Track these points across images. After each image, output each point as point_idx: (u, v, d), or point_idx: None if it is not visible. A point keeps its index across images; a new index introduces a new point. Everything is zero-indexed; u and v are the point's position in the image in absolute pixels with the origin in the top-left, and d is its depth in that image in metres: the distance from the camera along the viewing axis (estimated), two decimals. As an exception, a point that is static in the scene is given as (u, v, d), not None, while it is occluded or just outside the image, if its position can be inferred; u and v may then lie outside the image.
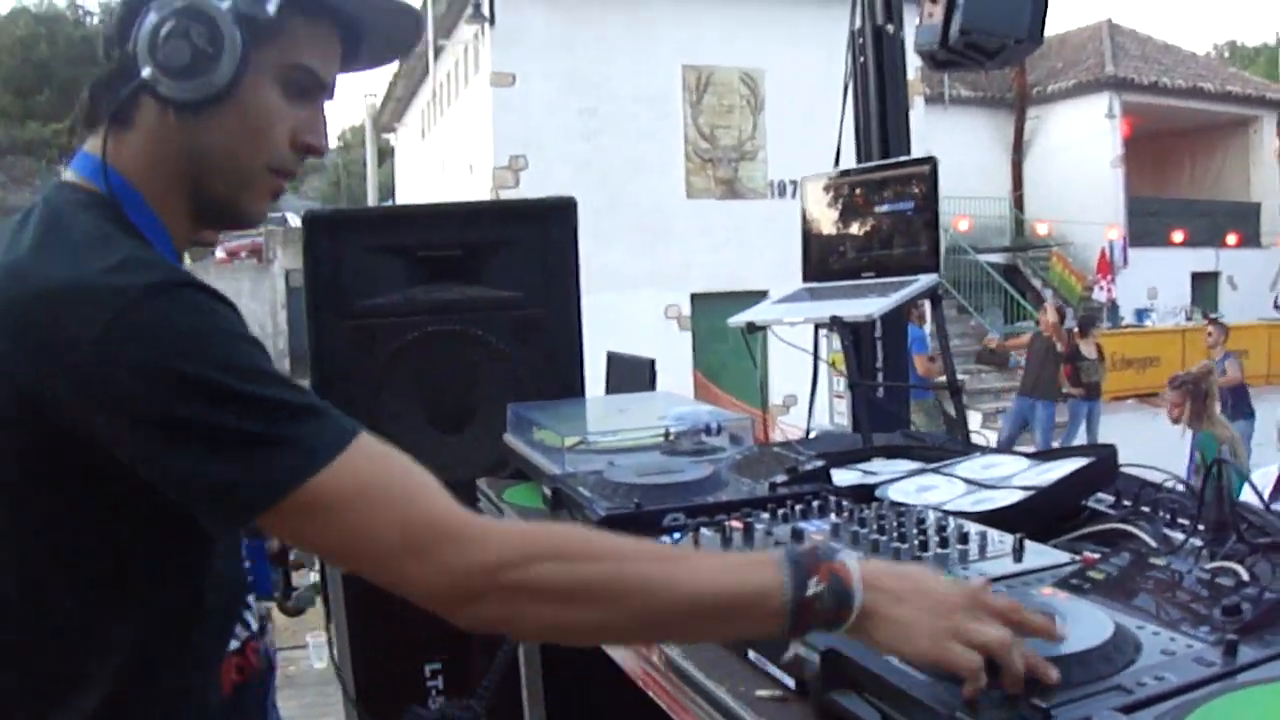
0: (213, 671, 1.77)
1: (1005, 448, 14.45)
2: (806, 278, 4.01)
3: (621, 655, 2.22)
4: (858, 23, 5.47)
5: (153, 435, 1.42)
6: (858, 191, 3.85)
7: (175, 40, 1.55)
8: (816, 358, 4.09)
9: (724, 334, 3.63)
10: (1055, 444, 13.57)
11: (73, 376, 1.42)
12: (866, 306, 3.48)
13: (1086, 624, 1.52)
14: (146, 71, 1.57)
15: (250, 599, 2.06)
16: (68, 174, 1.68)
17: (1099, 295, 28.50)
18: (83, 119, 1.68)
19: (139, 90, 1.59)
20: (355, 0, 1.72)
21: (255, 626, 2.07)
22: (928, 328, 15.43)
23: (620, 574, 1.47)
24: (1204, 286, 31.63)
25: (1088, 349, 16.46)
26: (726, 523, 2.19)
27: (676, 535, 2.19)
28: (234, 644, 1.93)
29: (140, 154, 1.64)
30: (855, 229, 3.85)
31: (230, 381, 1.42)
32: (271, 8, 1.59)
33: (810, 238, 4.04)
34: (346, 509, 1.43)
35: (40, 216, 1.58)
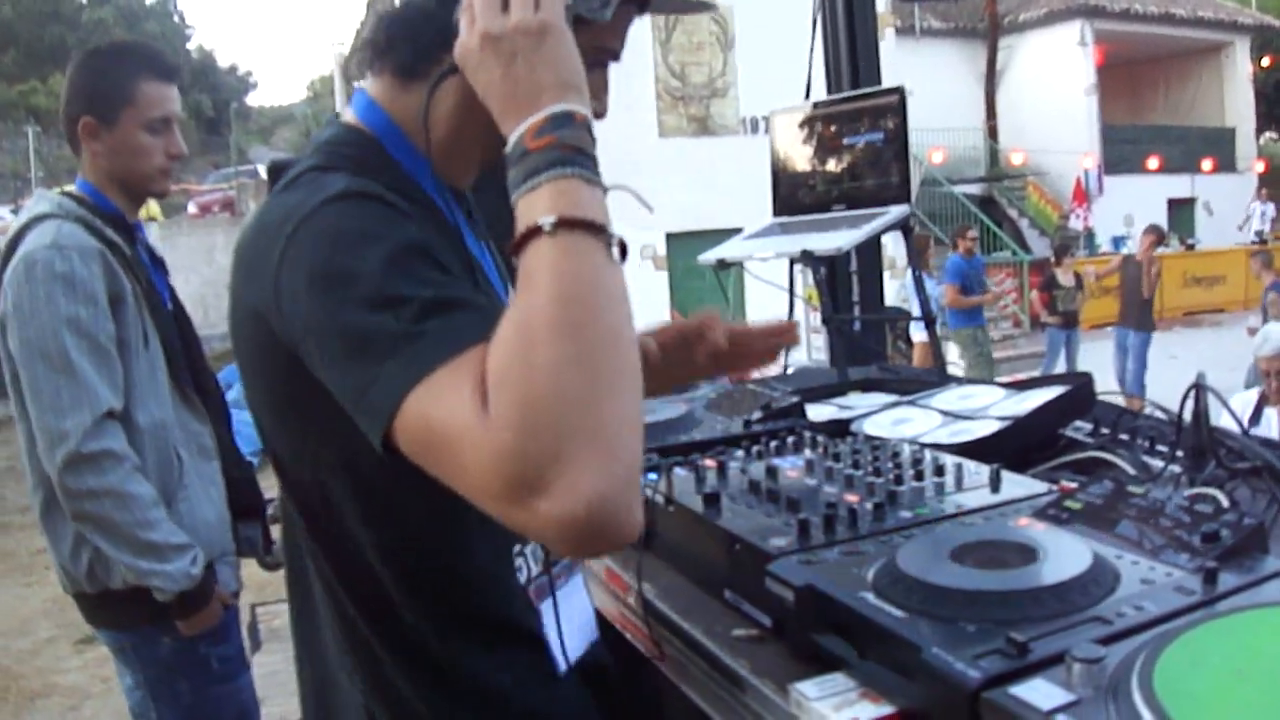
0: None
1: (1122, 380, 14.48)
2: (777, 212, 3.99)
3: (599, 599, 2.21)
4: (826, -46, 5.43)
5: (312, 336, 1.41)
6: (827, 125, 3.83)
7: None
8: (792, 293, 4.06)
9: (700, 272, 3.61)
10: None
11: (270, 291, 1.45)
12: (837, 239, 3.46)
13: (1064, 555, 1.51)
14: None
15: None
16: (345, 113, 1.73)
17: (1075, 224, 28.60)
18: (369, 52, 1.70)
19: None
20: None
21: None
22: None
23: (537, 332, 1.28)
24: (1180, 212, 31.74)
25: (1064, 277, 16.43)
26: (700, 462, 2.17)
27: (652, 475, 2.17)
28: None
29: (443, 103, 1.63)
30: (825, 162, 3.82)
31: (373, 281, 1.37)
32: (608, 13, 1.61)
33: (780, 172, 4.01)
34: (441, 432, 1.29)
35: (299, 178, 1.59)
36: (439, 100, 1.61)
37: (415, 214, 1.52)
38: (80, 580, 3.23)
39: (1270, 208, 30.18)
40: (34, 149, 43.56)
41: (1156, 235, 16.46)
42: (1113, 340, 15.94)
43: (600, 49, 1.71)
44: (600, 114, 1.72)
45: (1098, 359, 14.75)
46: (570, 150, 1.42)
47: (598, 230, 1.41)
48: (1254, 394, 6.73)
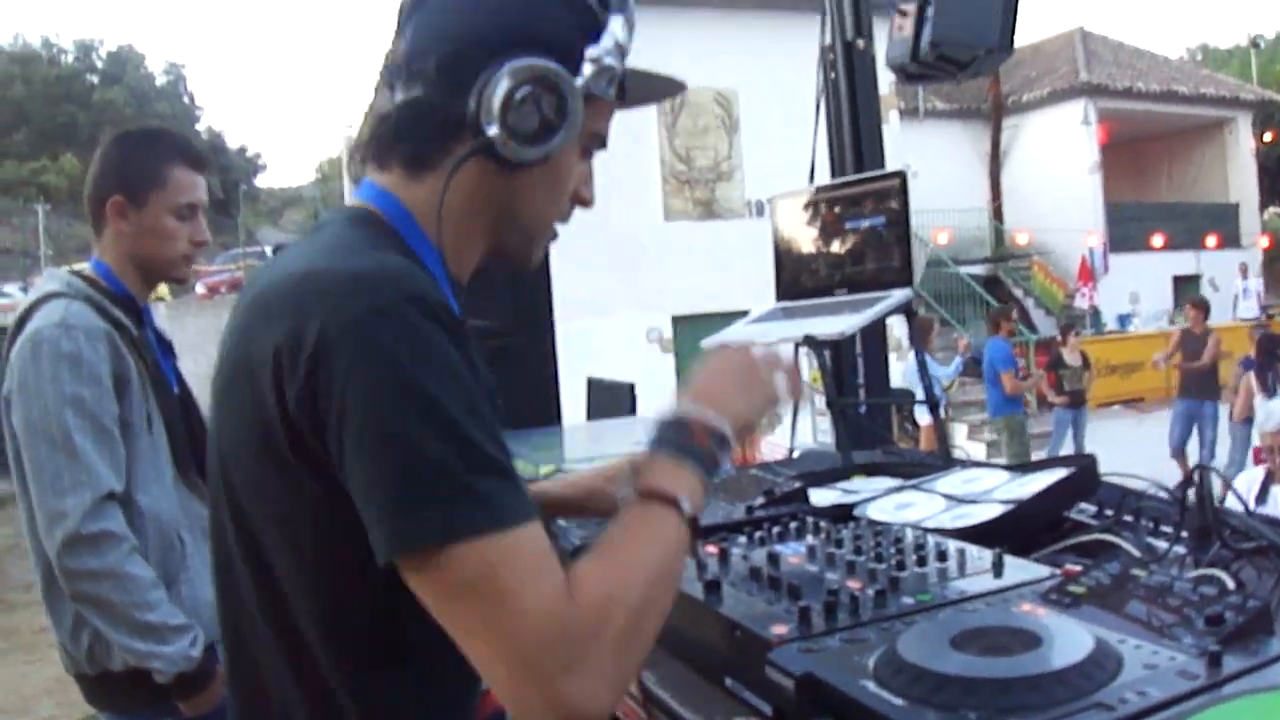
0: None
1: (1178, 454, 14.44)
2: (780, 296, 3.99)
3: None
4: (828, 39, 5.46)
5: (352, 436, 1.40)
6: (829, 208, 3.84)
7: (528, 109, 1.61)
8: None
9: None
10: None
11: (311, 358, 1.42)
12: (839, 324, 3.46)
13: (1066, 640, 1.50)
14: (493, 131, 1.60)
15: None
16: (354, 200, 1.74)
17: (1081, 302, 28.65)
18: (375, 148, 1.72)
19: (480, 146, 1.62)
20: (662, 79, 1.92)
21: None
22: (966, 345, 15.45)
23: (642, 598, 1.47)
24: (1186, 289, 31.74)
25: (1071, 356, 16.45)
26: (702, 548, 2.17)
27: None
28: None
29: (436, 196, 1.65)
30: (827, 246, 3.83)
31: (450, 410, 1.40)
32: (613, 91, 1.70)
33: (782, 256, 4.02)
34: (502, 588, 1.37)
35: (322, 229, 1.68)
36: (452, 191, 1.64)
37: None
38: (81, 661, 3.23)
39: (1255, 282, 30.22)
40: (43, 226, 43.83)
41: (1203, 308, 16.60)
42: (1171, 412, 16.06)
43: (593, 135, 1.77)
44: (588, 202, 1.82)
45: (1105, 437, 14.71)
46: (713, 462, 1.65)
47: (698, 532, 1.62)
48: (1260, 471, 6.71)
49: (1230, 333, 24.93)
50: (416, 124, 1.67)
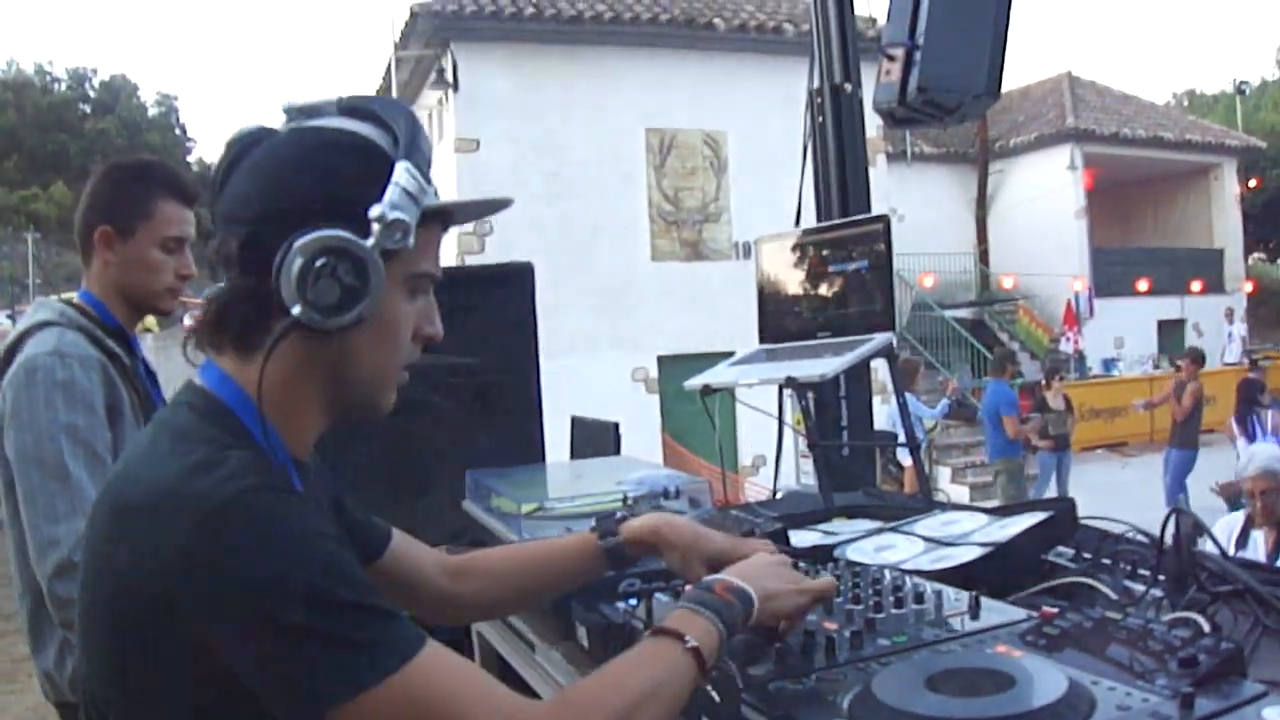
0: None
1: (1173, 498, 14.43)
2: (763, 339, 4.01)
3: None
4: (816, 82, 5.48)
5: (234, 633, 1.47)
6: (812, 251, 3.86)
7: (325, 281, 1.61)
8: (781, 419, 4.08)
9: (692, 396, 3.65)
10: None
11: (166, 577, 1.49)
12: (821, 366, 3.47)
13: (1040, 681, 1.52)
14: (296, 310, 1.61)
15: None
16: (197, 380, 1.76)
17: (1066, 346, 28.69)
18: (205, 332, 1.76)
19: (289, 326, 1.64)
20: (467, 205, 1.90)
21: None
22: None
23: (627, 705, 1.55)
24: (1170, 334, 31.89)
25: (1054, 400, 16.48)
26: (682, 589, 2.17)
27: (632, 601, 2.18)
28: None
29: (276, 373, 1.68)
30: (811, 289, 3.85)
31: (319, 585, 1.47)
32: (411, 240, 1.66)
33: (766, 298, 4.04)
34: (430, 706, 1.48)
35: (161, 421, 1.72)
36: (281, 367, 1.67)
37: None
38: (64, 689, 3.22)
39: (1239, 327, 30.33)
40: (33, 255, 43.71)
41: (1199, 360, 16.68)
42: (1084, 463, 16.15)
43: (417, 275, 1.77)
44: (435, 338, 1.85)
45: (1089, 481, 14.73)
46: (732, 617, 1.73)
47: (705, 673, 1.65)
48: (1240, 516, 6.72)
49: (1217, 377, 25.16)
50: (233, 307, 1.70)
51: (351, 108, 1.76)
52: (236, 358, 1.71)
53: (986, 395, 15.16)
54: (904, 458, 13.80)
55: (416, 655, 1.48)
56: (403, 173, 1.66)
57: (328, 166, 1.67)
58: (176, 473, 1.55)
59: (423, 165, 1.70)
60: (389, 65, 21.86)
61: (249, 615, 1.45)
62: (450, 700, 1.48)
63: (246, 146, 1.73)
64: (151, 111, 65.43)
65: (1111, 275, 31.26)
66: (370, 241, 1.62)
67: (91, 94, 63.99)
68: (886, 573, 2.22)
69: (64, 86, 63.93)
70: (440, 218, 1.80)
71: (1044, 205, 30.86)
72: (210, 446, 1.59)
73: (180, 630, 1.49)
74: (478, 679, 1.54)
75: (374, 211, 1.62)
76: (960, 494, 19.48)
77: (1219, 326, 30.84)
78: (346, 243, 1.61)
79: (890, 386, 3.77)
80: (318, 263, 1.60)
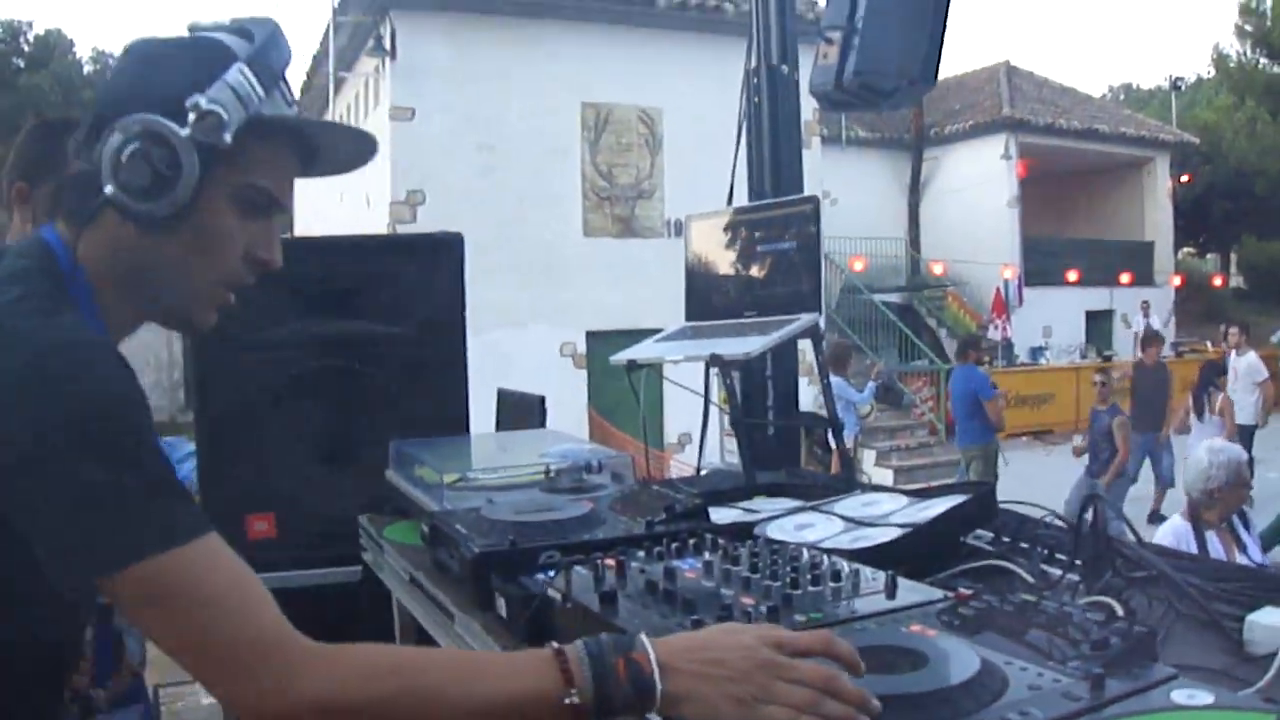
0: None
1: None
2: (690, 316, 4.02)
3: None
4: (753, 62, 5.48)
5: (26, 477, 1.46)
6: (743, 231, 3.87)
7: (136, 162, 1.62)
8: (707, 397, 4.09)
9: (620, 372, 3.65)
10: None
11: None
12: (745, 345, 3.48)
13: (952, 660, 1.52)
14: (108, 189, 1.64)
15: None
16: (39, 233, 1.76)
17: (994, 334, 28.86)
18: (49, 204, 1.81)
19: (101, 203, 1.65)
20: (311, 124, 1.86)
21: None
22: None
23: (419, 688, 1.51)
24: (1098, 324, 32.20)
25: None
26: (601, 561, 2.17)
27: (551, 574, 2.18)
28: None
29: (97, 252, 1.71)
30: (739, 268, 3.86)
31: (121, 444, 1.48)
32: (228, 136, 1.65)
33: (695, 276, 4.05)
34: (189, 601, 1.47)
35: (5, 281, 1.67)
36: (96, 250, 1.69)
37: None
38: None
39: (1155, 320, 30.63)
40: (-40, 208, 43.26)
41: (1159, 343, 16.83)
42: (1010, 449, 16.22)
43: (249, 187, 1.76)
44: (270, 265, 1.82)
45: (1014, 468, 14.78)
46: (609, 702, 1.48)
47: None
48: (1184, 526, 6.69)
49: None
50: (74, 184, 1.72)
51: (233, 25, 1.78)
52: (69, 229, 1.72)
53: (955, 381, 14.98)
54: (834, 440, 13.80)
55: (194, 540, 1.49)
56: (235, 72, 1.67)
57: (172, 61, 1.71)
58: (7, 309, 1.57)
59: (264, 73, 1.71)
60: (327, 30, 21.71)
61: (51, 461, 1.45)
62: (210, 601, 1.47)
63: (129, 48, 1.77)
64: (87, 69, 64.53)
65: (1042, 265, 31.47)
66: (185, 131, 1.63)
67: (26, 48, 63.10)
68: (805, 551, 2.23)
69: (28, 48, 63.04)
70: (288, 138, 1.80)
71: (977, 193, 31.01)
72: (45, 298, 1.61)
73: None
74: (251, 593, 1.52)
75: (192, 101, 1.63)
76: (885, 477, 19.60)
77: (1137, 319, 31.11)
78: (160, 127, 1.62)
79: (817, 368, 3.78)
80: (132, 144, 1.62)
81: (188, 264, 1.73)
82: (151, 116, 1.63)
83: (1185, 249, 44.14)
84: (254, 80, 1.69)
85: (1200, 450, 6.91)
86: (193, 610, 1.46)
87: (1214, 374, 15.21)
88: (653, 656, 1.49)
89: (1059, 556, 2.43)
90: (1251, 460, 8.04)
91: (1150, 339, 17.34)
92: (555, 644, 1.53)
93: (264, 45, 1.74)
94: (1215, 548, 6.40)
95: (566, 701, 1.47)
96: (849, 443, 13.52)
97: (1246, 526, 6.85)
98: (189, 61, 1.69)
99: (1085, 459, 14.20)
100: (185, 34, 1.78)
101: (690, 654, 1.50)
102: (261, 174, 1.76)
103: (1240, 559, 6.37)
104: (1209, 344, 29.52)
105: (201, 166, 1.65)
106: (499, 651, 1.64)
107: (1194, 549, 6.18)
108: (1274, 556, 7.97)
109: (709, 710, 1.44)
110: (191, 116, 1.63)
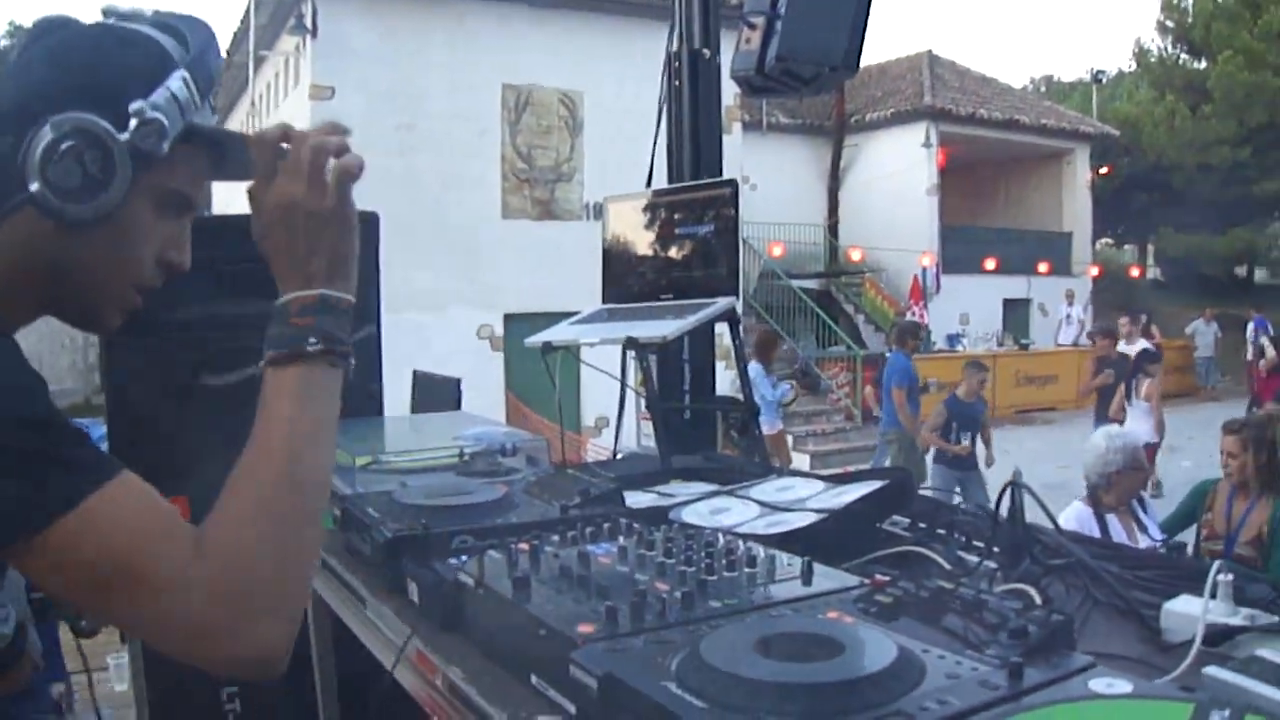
0: None
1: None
2: (606, 298, 4.01)
3: (409, 682, 2.18)
4: (675, 46, 5.46)
5: None
6: (661, 213, 3.85)
7: (68, 162, 1.56)
8: (624, 381, 4.07)
9: (537, 355, 3.64)
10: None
11: None
12: (662, 328, 3.48)
13: (869, 648, 1.51)
14: (34, 186, 1.57)
15: None
16: None
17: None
18: None
19: (21, 200, 1.59)
20: (234, 136, 1.80)
21: None
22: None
23: (265, 484, 1.59)
24: (1015, 312, 32.50)
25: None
26: (514, 546, 2.15)
27: (464, 559, 2.15)
28: None
29: (5, 244, 1.63)
30: (657, 250, 3.85)
31: (17, 406, 1.44)
32: (166, 146, 1.62)
33: (612, 258, 4.03)
34: (110, 538, 1.43)
35: None
36: (8, 234, 1.63)
37: None
38: None
39: (1077, 309, 30.90)
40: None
41: (1113, 336, 16.83)
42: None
43: (170, 192, 1.72)
44: (180, 267, 1.80)
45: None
46: (323, 337, 1.65)
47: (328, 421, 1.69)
48: (1084, 506, 6.75)
49: (1052, 358, 25.62)
50: None
51: (162, 21, 1.73)
52: None
53: (886, 366, 15.16)
54: (766, 424, 13.83)
55: (110, 481, 1.46)
56: (177, 79, 1.65)
57: (110, 58, 1.65)
58: None
59: (202, 82, 1.69)
60: (248, 7, 21.55)
61: None
62: (134, 536, 1.45)
63: (49, 30, 1.70)
64: (2, 43, 63.84)
65: (960, 253, 31.71)
66: (125, 136, 1.59)
67: (-69, 19, 62.34)
68: (720, 536, 2.21)
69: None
70: (207, 146, 1.76)
71: (897, 181, 31.21)
72: None
73: None
74: (163, 512, 1.51)
75: (134, 106, 1.59)
76: (802, 462, 19.68)
77: (1061, 307, 31.42)
78: (99, 129, 1.57)
79: (734, 352, 3.77)
80: (65, 143, 1.56)
81: (104, 266, 1.69)
82: (89, 117, 1.57)
83: (1103, 240, 44.66)
84: (194, 89, 1.66)
85: (1098, 436, 6.97)
86: (118, 549, 1.44)
87: (1146, 361, 15.39)
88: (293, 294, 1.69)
89: (976, 544, 2.43)
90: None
91: (1105, 333, 17.37)
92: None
93: (201, 53, 1.71)
94: (1116, 531, 6.47)
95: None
96: (768, 430, 13.57)
97: (1145, 509, 6.96)
98: (130, 62, 1.65)
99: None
100: (106, 20, 1.73)
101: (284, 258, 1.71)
102: (181, 179, 1.72)
103: (1142, 540, 6.44)
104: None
105: (133, 173, 1.61)
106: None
107: (1096, 533, 6.24)
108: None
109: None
110: (134, 122, 1.59)
